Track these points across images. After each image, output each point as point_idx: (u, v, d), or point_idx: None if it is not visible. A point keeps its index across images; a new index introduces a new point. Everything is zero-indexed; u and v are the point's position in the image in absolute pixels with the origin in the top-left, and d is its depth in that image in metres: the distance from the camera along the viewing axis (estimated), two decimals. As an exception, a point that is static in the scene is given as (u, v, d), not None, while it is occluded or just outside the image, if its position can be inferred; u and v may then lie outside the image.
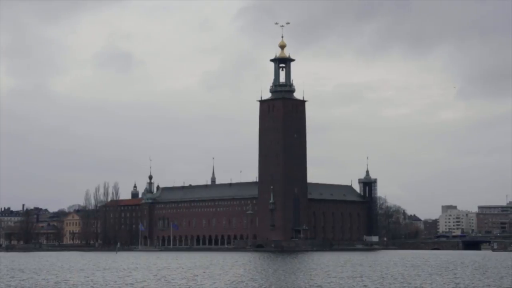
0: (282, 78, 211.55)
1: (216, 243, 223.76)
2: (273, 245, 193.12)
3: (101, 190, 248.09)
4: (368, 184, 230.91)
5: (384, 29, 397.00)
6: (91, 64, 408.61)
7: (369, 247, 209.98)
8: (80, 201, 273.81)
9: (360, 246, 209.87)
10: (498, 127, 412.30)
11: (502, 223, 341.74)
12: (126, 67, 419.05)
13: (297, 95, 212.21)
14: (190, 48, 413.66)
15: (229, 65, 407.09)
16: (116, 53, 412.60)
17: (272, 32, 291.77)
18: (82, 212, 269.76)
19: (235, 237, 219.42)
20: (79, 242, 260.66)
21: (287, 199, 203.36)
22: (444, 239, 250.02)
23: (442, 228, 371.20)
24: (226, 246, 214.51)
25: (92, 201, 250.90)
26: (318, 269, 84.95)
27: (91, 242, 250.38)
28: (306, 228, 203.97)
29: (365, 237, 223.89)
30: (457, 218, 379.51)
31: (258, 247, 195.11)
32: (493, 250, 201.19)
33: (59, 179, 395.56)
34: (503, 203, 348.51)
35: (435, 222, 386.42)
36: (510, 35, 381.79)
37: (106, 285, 62.30)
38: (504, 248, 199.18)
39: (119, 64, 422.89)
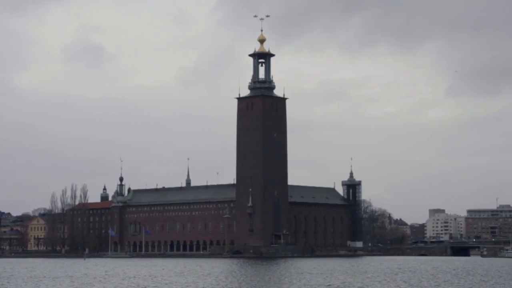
0: (261, 74, 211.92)
1: (191, 249, 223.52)
2: (251, 251, 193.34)
3: (68, 193, 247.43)
4: (352, 186, 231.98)
5: (371, 22, 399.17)
6: (59, 58, 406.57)
7: (353, 253, 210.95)
8: (46, 204, 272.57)
9: (343, 252, 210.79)
10: (489, 127, 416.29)
11: (492, 227, 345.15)
12: (96, 62, 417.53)
13: (278, 92, 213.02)
14: (165, 42, 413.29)
15: (206, 60, 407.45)
16: (86, 46, 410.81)
17: (252, 26, 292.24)
18: (47, 216, 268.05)
19: (211, 243, 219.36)
20: (45, 248, 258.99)
21: (267, 202, 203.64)
22: (422, 244, 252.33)
23: (429, 233, 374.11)
24: (201, 252, 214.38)
25: (59, 205, 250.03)
26: (299, 277, 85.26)
27: (58, 248, 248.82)
28: (287, 233, 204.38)
29: (349, 242, 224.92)
30: (445, 222, 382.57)
31: (236, 254, 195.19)
32: (483, 256, 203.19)
33: (23, 180, 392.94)
34: (493, 206, 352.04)
35: (422, 227, 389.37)
36: (503, 30, 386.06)
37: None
38: (494, 254, 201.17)
39: (89, 58, 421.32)
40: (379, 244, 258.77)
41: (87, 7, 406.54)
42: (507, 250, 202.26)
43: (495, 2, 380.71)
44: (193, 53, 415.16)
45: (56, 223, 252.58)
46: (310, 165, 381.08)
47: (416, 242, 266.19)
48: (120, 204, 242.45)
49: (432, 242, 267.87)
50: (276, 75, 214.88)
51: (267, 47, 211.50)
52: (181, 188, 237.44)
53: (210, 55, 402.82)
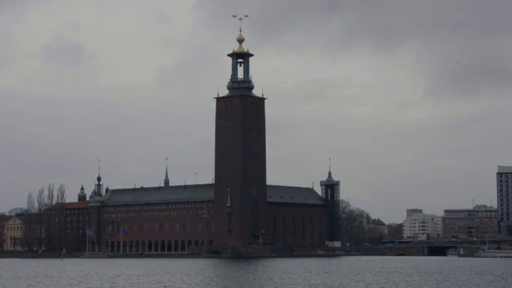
0: (240, 74, 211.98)
1: (169, 249, 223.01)
2: (230, 251, 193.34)
3: (46, 193, 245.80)
4: (331, 186, 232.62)
5: (351, 23, 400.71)
6: (38, 57, 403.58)
7: (331, 253, 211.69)
8: (23, 204, 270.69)
9: (321, 252, 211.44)
10: (466, 127, 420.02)
11: (468, 227, 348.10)
12: (75, 61, 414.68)
13: (257, 92, 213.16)
14: (145, 41, 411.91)
15: (186, 59, 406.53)
16: (65, 45, 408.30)
17: (232, 26, 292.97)
18: (24, 216, 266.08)
19: (189, 243, 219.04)
20: (21, 248, 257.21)
21: (245, 202, 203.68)
22: (390, 244, 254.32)
23: (407, 233, 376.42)
24: (180, 252, 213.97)
25: (36, 204, 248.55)
26: (276, 277, 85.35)
27: (34, 248, 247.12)
28: (265, 233, 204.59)
29: (327, 242, 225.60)
30: (423, 222, 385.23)
31: (214, 253, 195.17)
32: (459, 255, 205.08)
33: (0, 179, 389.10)
34: (470, 206, 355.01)
35: (399, 227, 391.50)
36: (481, 31, 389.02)
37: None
38: (470, 254, 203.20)
39: (68, 57, 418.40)
40: (367, 244, 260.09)
41: (67, 5, 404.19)
42: (483, 250, 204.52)
43: (474, 4, 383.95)
44: (173, 53, 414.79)
45: (33, 223, 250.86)
46: (288, 165, 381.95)
47: (385, 243, 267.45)
48: (98, 204, 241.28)
49: (400, 242, 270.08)
50: (256, 75, 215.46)
51: (246, 47, 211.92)
52: (159, 188, 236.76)
53: (190, 55, 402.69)
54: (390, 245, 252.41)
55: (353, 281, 76.00)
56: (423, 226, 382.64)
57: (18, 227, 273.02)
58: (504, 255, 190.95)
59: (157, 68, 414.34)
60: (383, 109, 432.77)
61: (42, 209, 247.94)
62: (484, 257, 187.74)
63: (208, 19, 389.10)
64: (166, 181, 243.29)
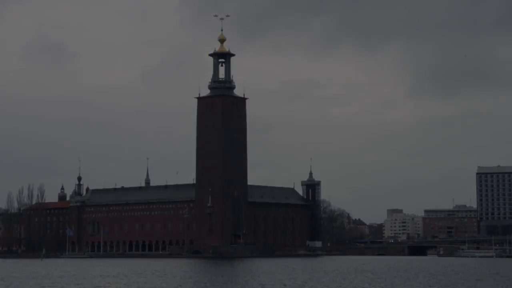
0: (221, 74, 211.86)
1: (150, 249, 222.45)
2: (211, 251, 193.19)
3: (25, 192, 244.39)
4: (312, 186, 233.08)
5: (334, 23, 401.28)
6: (19, 57, 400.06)
7: (312, 253, 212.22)
8: (2, 204, 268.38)
9: (302, 252, 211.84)
10: (447, 127, 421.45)
11: (448, 227, 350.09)
12: (57, 60, 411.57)
13: (238, 92, 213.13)
14: (128, 40, 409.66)
15: (169, 59, 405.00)
16: (47, 44, 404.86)
17: (214, 25, 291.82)
18: (3, 216, 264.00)
19: (170, 243, 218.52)
20: (0, 248, 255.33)
21: (226, 202, 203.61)
22: (362, 244, 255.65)
23: (387, 232, 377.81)
24: (160, 252, 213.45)
25: (15, 204, 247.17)
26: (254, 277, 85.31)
27: (14, 248, 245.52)
28: (246, 233, 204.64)
29: (308, 242, 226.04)
30: (403, 222, 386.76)
31: (195, 253, 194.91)
32: (439, 255, 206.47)
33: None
34: (450, 206, 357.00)
35: (380, 227, 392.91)
36: (463, 32, 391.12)
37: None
38: (450, 254, 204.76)
39: (50, 56, 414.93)
40: (357, 243, 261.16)
41: (49, 4, 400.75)
42: (462, 249, 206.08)
43: (456, 5, 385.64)
44: (155, 52, 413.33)
45: (12, 223, 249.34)
46: (270, 165, 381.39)
47: (358, 243, 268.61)
48: (78, 204, 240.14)
49: (372, 242, 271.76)
50: (238, 75, 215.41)
51: (227, 47, 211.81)
52: (140, 188, 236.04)
53: (172, 55, 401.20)
54: (363, 245, 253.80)
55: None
56: (403, 226, 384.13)
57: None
58: (483, 255, 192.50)
59: (138, 67, 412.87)
60: (365, 109, 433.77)
61: (21, 209, 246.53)
62: (463, 256, 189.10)
63: (190, 19, 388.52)
64: (147, 181, 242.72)
